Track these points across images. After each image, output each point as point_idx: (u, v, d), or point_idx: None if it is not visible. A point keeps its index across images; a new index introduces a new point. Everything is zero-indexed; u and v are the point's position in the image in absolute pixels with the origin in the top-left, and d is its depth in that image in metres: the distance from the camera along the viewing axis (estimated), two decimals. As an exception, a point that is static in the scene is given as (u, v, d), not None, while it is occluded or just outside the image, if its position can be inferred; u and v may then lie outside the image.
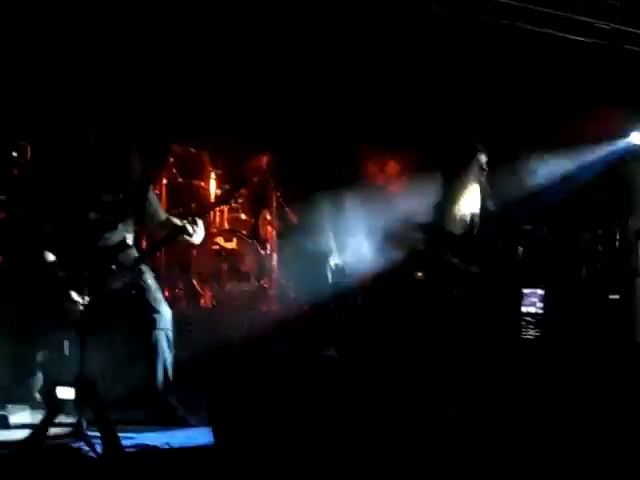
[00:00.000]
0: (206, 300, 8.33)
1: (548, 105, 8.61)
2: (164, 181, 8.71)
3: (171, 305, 7.91)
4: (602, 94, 8.43)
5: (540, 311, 6.73)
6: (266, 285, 8.80)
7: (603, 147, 8.32)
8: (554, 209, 8.57)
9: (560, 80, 8.53)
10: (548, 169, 7.90)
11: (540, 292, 6.74)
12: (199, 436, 5.67)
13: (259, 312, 8.32)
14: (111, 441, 5.25)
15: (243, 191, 9.12)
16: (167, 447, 5.50)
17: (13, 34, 7.87)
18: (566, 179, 8.24)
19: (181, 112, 9.00)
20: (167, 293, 8.24)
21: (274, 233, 8.97)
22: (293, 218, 9.09)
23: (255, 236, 9.08)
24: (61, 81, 8.15)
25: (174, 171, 8.91)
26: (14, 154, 7.38)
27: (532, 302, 6.75)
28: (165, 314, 6.21)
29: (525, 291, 6.77)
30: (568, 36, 7.96)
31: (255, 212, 9.26)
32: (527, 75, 8.59)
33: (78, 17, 8.03)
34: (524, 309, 6.74)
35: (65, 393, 5.32)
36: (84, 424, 5.42)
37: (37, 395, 6.11)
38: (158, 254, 8.43)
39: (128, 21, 8.23)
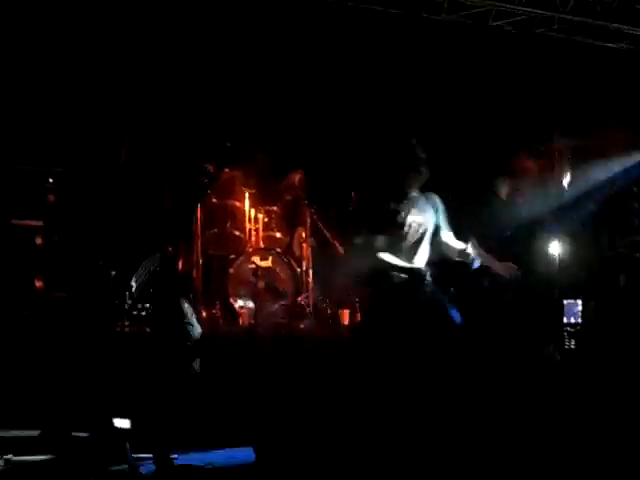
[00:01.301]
0: (244, 319, 8.35)
1: (580, 113, 8.57)
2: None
3: (209, 325, 8.00)
4: (635, 100, 8.37)
5: (579, 321, 6.71)
6: (303, 302, 8.80)
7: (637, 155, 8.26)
8: (590, 216, 8.52)
9: (591, 87, 8.48)
10: (584, 178, 7.87)
11: (579, 302, 6.72)
12: (241, 455, 5.68)
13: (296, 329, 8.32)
14: (164, 462, 5.30)
15: (276, 209, 9.16)
16: (210, 467, 5.51)
17: (47, 60, 7.97)
18: (601, 187, 8.20)
19: (213, 133, 9.05)
20: (204, 313, 8.28)
21: (309, 250, 8.98)
22: (328, 234, 9.12)
23: (290, 254, 9.10)
24: (94, 106, 8.23)
25: (208, 191, 8.93)
26: (50, 180, 7.45)
27: (573, 313, 6.72)
28: (197, 337, 6.27)
29: (565, 302, 6.74)
30: (599, 43, 7.93)
31: (290, 230, 9.28)
32: (559, 83, 8.56)
33: (110, 43, 8.12)
34: (565, 320, 6.71)
35: (121, 423, 5.36)
36: (128, 448, 5.45)
37: None
38: (194, 275, 8.49)
39: (159, 45, 8.31)
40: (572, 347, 6.66)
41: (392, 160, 6.44)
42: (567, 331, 6.69)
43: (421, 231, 6.28)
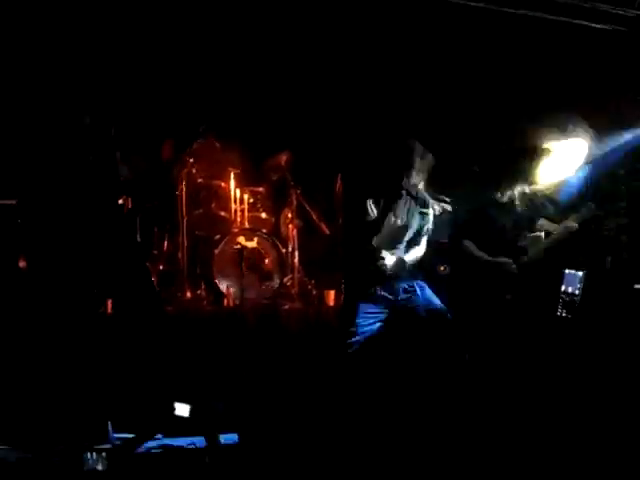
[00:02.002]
0: (228, 300, 8.32)
1: (566, 95, 8.52)
2: (183, 182, 8.69)
3: (194, 306, 7.99)
4: (622, 82, 8.33)
5: (577, 292, 6.71)
6: (288, 283, 8.78)
7: (623, 136, 8.22)
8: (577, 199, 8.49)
9: (578, 69, 8.43)
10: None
11: (580, 274, 6.74)
12: (225, 439, 5.66)
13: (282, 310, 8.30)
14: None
15: (262, 189, 9.13)
16: (193, 447, 5.50)
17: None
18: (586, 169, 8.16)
19: (199, 111, 9.01)
20: (189, 294, 8.26)
21: (295, 231, 8.95)
22: (314, 215, 9.10)
23: (276, 234, 9.07)
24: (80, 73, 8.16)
25: (193, 171, 8.90)
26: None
27: (572, 283, 6.74)
28: None
29: (567, 272, 6.76)
30: (585, 24, 7.87)
31: (276, 211, 9.24)
32: (543, 64, 8.50)
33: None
34: (563, 288, 6.73)
35: (181, 410, 5.34)
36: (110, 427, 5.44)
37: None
38: (180, 254, 8.49)
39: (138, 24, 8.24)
40: (565, 315, 6.67)
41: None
42: (562, 299, 6.68)
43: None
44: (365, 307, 6.31)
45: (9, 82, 7.52)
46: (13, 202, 7.17)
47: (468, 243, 6.86)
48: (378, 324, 6.33)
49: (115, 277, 7.12)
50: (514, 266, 6.76)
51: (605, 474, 5.20)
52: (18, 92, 7.64)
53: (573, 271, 6.78)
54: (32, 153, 7.30)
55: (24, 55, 7.69)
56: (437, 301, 6.46)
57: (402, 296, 6.41)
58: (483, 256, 6.79)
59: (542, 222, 6.96)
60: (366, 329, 6.31)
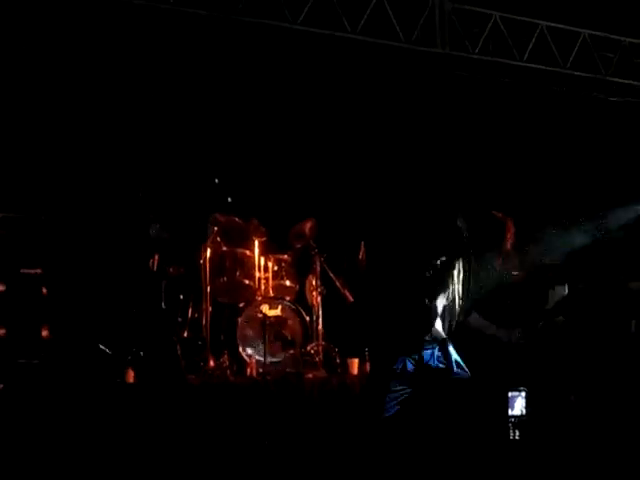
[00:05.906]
0: (252, 368, 8.30)
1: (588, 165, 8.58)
2: (208, 250, 8.73)
3: (217, 374, 7.96)
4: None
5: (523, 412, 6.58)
6: (312, 351, 8.74)
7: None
8: (601, 261, 8.47)
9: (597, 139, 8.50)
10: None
11: (523, 394, 6.60)
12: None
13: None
14: None
15: (286, 257, 9.14)
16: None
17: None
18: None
19: (225, 181, 9.11)
20: (212, 362, 8.24)
21: (319, 298, 8.94)
22: (338, 282, 9.09)
23: (301, 302, 9.05)
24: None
25: (218, 239, 8.94)
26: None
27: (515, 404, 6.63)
28: None
29: (510, 394, 6.61)
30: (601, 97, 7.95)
31: (300, 278, 9.24)
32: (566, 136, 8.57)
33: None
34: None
35: None
36: None
37: None
38: (204, 322, 8.50)
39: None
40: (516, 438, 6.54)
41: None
42: (511, 422, 6.55)
43: None
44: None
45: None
46: (38, 270, 7.23)
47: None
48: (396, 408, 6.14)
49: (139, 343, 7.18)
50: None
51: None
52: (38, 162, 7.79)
53: (516, 392, 6.64)
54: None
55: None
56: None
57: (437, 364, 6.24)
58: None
59: None
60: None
